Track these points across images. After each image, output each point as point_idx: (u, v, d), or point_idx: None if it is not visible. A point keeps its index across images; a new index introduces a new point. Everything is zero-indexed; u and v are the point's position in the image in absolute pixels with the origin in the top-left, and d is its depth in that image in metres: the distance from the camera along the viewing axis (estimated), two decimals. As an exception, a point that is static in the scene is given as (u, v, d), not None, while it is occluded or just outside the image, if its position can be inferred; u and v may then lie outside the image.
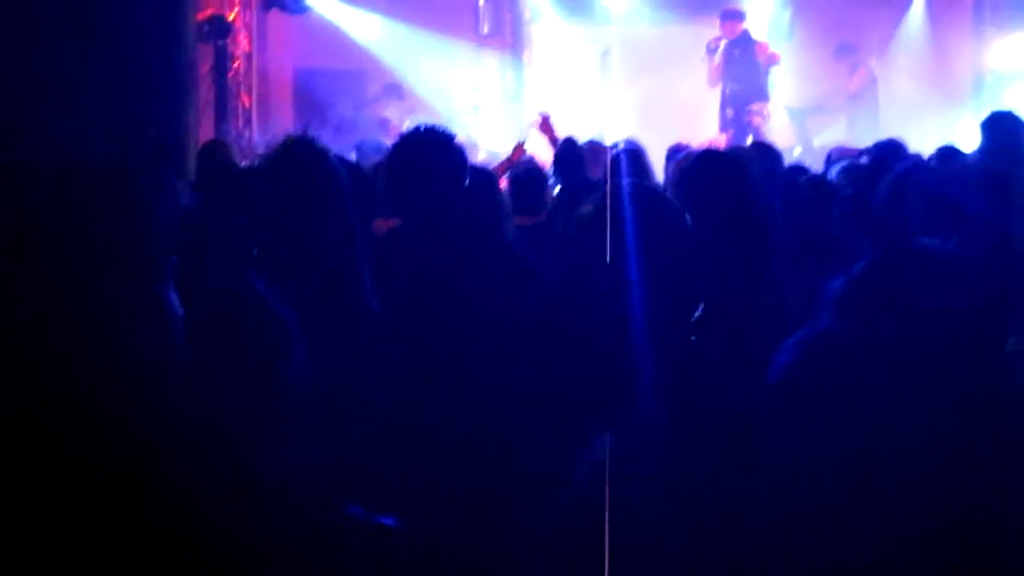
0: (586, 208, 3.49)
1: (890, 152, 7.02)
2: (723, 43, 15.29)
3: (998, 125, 6.19)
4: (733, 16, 15.37)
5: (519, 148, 9.43)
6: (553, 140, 9.15)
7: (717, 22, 15.68)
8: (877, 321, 2.44)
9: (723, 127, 14.96)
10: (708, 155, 4.96)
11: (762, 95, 15.20)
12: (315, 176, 3.72)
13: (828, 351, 2.55)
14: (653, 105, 15.27)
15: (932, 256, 2.49)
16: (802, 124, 16.45)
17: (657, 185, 3.46)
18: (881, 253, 2.50)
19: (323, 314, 2.62)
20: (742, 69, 15.17)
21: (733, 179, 4.61)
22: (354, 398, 3.29)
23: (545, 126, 9.35)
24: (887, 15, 17.21)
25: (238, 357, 2.29)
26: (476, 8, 16.77)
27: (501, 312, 3.96)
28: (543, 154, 9.56)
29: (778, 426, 2.69)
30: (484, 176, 4.85)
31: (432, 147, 4.32)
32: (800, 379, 2.60)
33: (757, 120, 14.89)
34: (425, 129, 4.40)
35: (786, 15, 16.66)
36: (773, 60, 15.36)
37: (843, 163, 7.12)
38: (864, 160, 7.08)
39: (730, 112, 15.10)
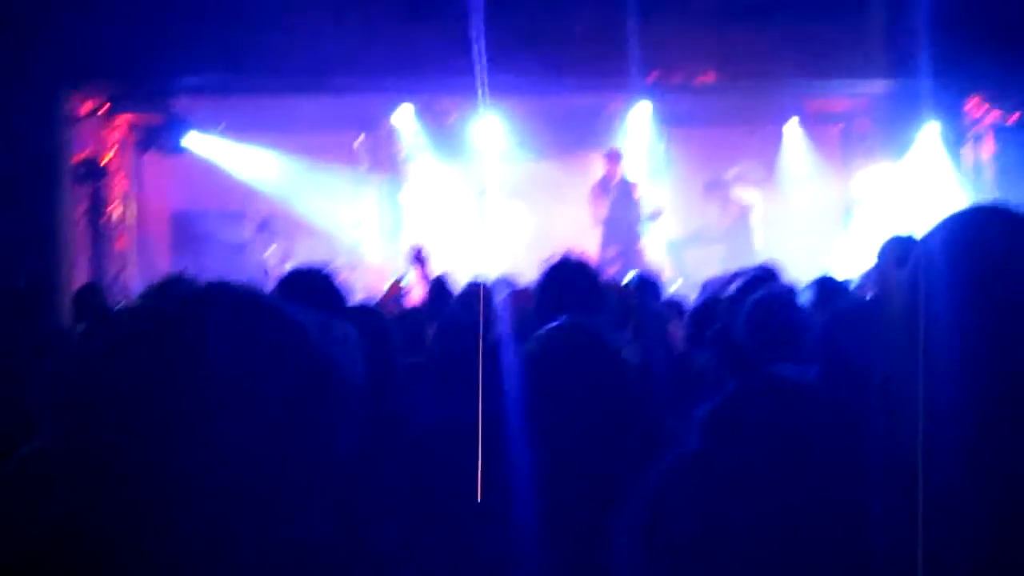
0: (530, 344, 3.49)
1: (758, 280, 7.10)
2: (613, 183, 15.52)
3: (889, 251, 6.16)
4: (613, 157, 15.69)
5: (396, 285, 9.48)
6: (425, 275, 9.21)
7: (588, 157, 16.00)
8: (740, 445, 2.48)
9: (602, 266, 14.95)
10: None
11: (637, 235, 15.46)
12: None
13: (694, 471, 2.58)
14: (532, 240, 15.41)
15: (787, 386, 2.55)
16: (680, 257, 16.71)
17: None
18: (739, 382, 2.56)
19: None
20: (621, 209, 15.38)
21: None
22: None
23: (419, 259, 9.40)
24: (763, 146, 17.63)
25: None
26: (355, 148, 16.89)
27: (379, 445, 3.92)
28: (416, 289, 9.60)
29: (649, 546, 2.71)
30: (371, 314, 4.84)
31: (311, 284, 4.32)
32: (668, 498, 2.62)
33: (646, 256, 15.12)
34: (305, 269, 4.41)
35: (661, 148, 16.97)
36: (656, 213, 15.61)
37: (711, 293, 7.18)
38: (732, 288, 7.16)
39: (611, 251, 15.23)
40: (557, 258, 4.98)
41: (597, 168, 16.46)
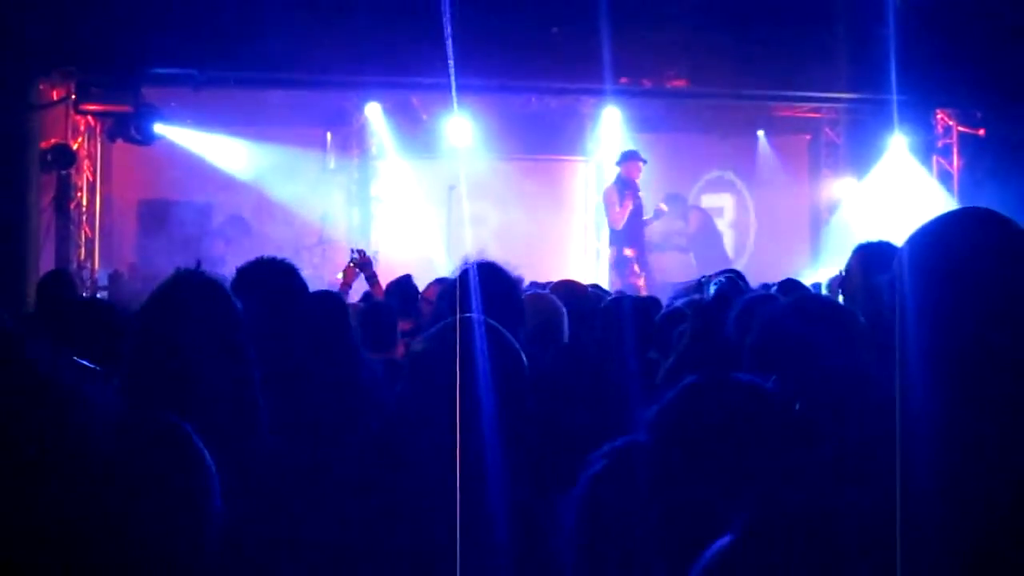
0: (417, 343, 3.49)
1: (725, 287, 7.15)
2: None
3: (859, 256, 6.06)
4: (634, 158, 15.48)
5: (350, 269, 9.46)
6: (369, 276, 9.20)
7: (557, 158, 16.04)
8: (684, 441, 2.52)
9: (621, 265, 14.92)
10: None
11: (644, 237, 15.56)
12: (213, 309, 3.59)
13: (637, 462, 2.62)
14: (501, 237, 15.43)
15: (736, 386, 2.59)
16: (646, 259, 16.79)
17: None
18: (690, 380, 2.60)
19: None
20: (640, 211, 15.45)
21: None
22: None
23: (362, 261, 9.41)
24: (732, 154, 17.71)
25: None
26: (324, 143, 16.87)
27: (344, 440, 3.93)
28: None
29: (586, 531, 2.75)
30: (333, 302, 4.84)
31: (274, 274, 4.34)
32: (608, 487, 2.67)
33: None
34: (267, 260, 4.42)
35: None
36: (660, 212, 15.65)
37: (684, 299, 7.24)
38: (698, 294, 7.23)
39: (629, 252, 15.16)
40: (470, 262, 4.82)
41: (567, 170, 16.58)
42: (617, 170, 15.43)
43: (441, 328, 3.44)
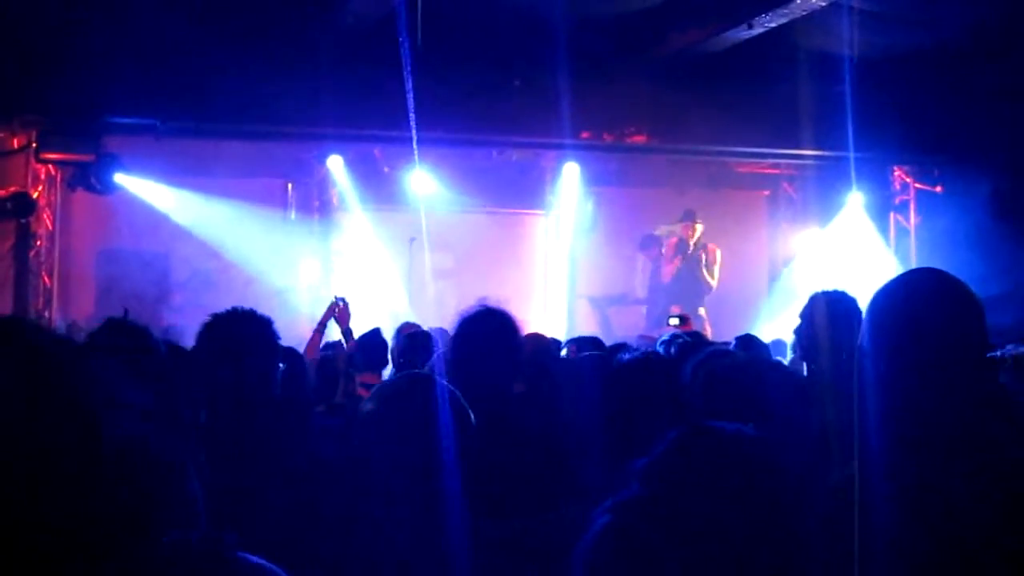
0: (368, 405, 3.46)
1: (689, 341, 7.20)
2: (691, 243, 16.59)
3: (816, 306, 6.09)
4: (690, 217, 16.77)
5: (333, 309, 9.29)
6: (345, 331, 9.06)
7: (519, 212, 16.38)
8: (680, 492, 2.54)
9: (658, 323, 15.33)
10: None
11: (701, 298, 16.45)
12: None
13: (636, 517, 2.63)
14: (461, 289, 15.45)
15: (726, 435, 2.62)
16: (604, 314, 16.85)
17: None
18: (678, 433, 2.63)
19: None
20: (692, 270, 16.57)
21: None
22: None
23: (342, 313, 9.20)
24: (693, 208, 17.78)
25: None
26: (285, 195, 16.84)
27: (296, 498, 3.92)
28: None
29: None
30: (293, 358, 4.86)
31: (244, 326, 4.33)
32: (609, 542, 2.68)
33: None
34: (238, 311, 4.41)
35: (589, 207, 17.07)
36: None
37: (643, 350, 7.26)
38: (661, 348, 7.26)
39: (675, 309, 15.60)
40: (473, 308, 4.88)
41: (527, 223, 16.74)
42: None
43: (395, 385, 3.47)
